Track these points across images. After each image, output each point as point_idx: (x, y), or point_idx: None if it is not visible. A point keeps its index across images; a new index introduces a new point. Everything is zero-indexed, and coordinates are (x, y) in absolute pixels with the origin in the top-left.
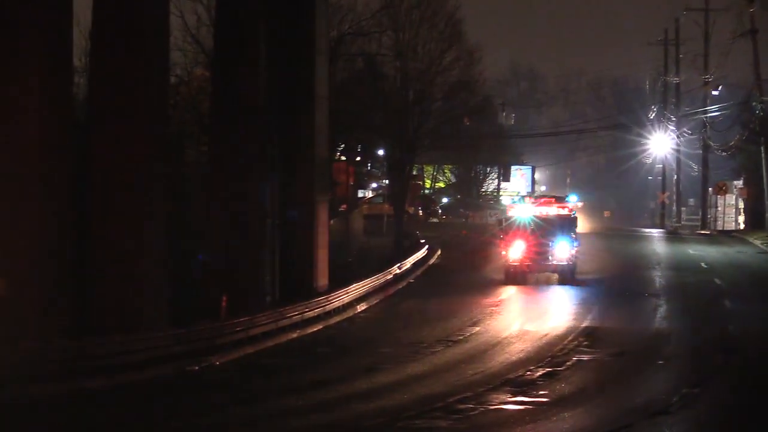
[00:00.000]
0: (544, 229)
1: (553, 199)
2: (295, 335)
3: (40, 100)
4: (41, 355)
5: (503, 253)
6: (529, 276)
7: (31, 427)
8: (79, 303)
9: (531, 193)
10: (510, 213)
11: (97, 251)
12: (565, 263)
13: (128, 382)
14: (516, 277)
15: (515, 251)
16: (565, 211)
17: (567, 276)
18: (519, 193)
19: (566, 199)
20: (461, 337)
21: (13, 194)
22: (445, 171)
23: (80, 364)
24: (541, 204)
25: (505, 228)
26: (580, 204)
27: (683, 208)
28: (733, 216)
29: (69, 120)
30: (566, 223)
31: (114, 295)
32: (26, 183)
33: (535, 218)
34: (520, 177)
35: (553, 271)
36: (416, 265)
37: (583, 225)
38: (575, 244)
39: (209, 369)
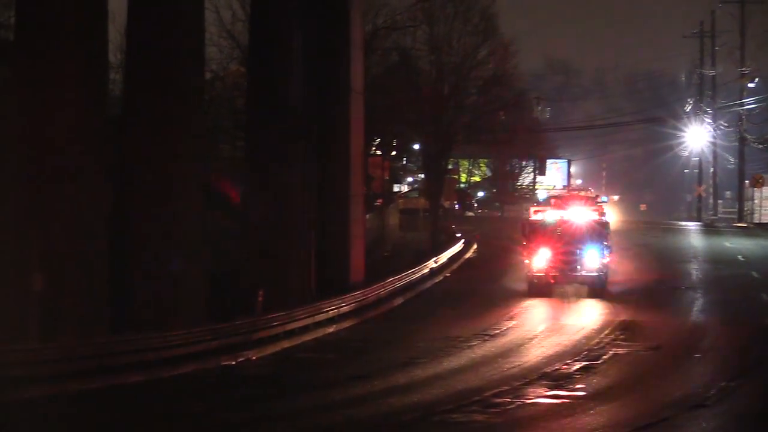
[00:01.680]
0: (572, 236)
1: (584, 198)
2: (331, 330)
3: (78, 96)
4: (79, 350)
5: (526, 262)
6: (555, 288)
7: (70, 423)
8: (116, 298)
9: (561, 188)
10: (534, 217)
11: (133, 246)
12: (596, 274)
13: (166, 377)
14: (540, 289)
15: (539, 260)
16: (595, 214)
17: (598, 289)
18: (555, 186)
19: (600, 199)
20: (498, 331)
21: (51, 188)
22: (481, 165)
23: (118, 360)
24: (569, 201)
25: (528, 234)
26: (615, 197)
27: (720, 201)
28: None
29: (104, 116)
30: (597, 229)
31: (151, 290)
32: (64, 177)
33: (561, 223)
34: (555, 170)
35: (582, 283)
36: (452, 259)
37: (619, 218)
38: (607, 251)
39: (246, 364)
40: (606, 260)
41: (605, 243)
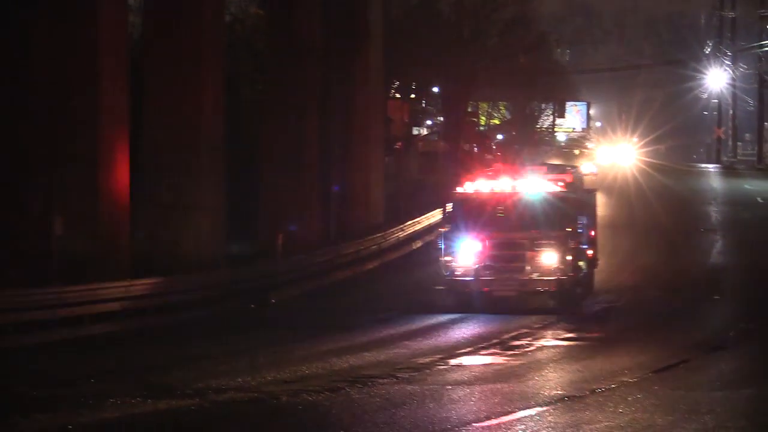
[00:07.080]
0: (523, 219)
1: (545, 167)
2: (351, 272)
3: (100, 38)
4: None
5: (444, 258)
6: (491, 300)
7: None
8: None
9: (580, 131)
10: (465, 190)
11: (148, 185)
12: (555, 279)
13: (190, 318)
14: (467, 301)
15: (465, 257)
16: (557, 186)
17: (560, 302)
18: (574, 129)
19: (568, 168)
20: None
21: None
22: (501, 108)
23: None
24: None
25: (452, 215)
26: (634, 139)
27: (739, 143)
28: None
29: (127, 57)
30: (562, 208)
31: (171, 236)
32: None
33: (502, 199)
34: (575, 113)
35: (535, 293)
36: None
37: (637, 160)
38: (585, 244)
39: (267, 306)
40: (578, 259)
41: (579, 229)
